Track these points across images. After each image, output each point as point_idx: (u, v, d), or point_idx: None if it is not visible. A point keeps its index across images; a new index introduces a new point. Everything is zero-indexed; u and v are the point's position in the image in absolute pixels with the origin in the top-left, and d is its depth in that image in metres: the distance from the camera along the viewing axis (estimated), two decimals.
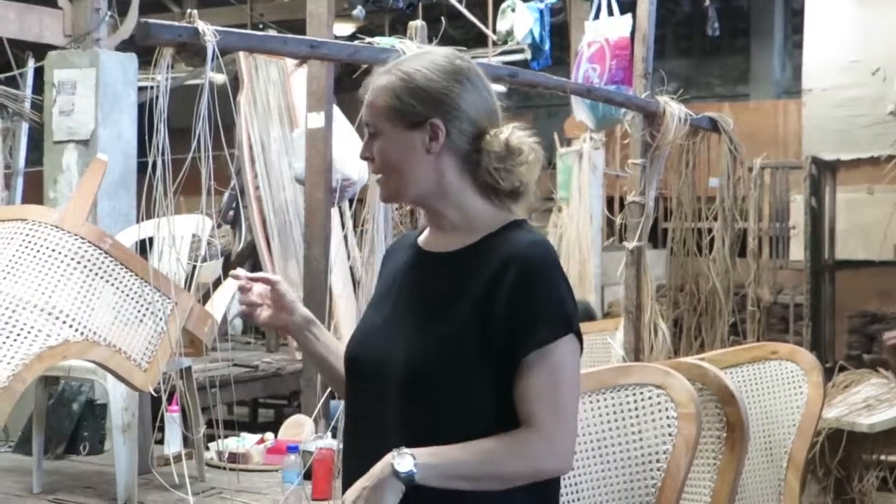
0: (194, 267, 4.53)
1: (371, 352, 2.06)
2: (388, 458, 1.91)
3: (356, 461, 2.04)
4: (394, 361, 2.00)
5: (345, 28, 10.05)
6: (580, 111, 6.35)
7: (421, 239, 2.18)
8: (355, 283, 6.18)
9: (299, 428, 4.87)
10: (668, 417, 2.50)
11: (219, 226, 7.39)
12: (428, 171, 2.08)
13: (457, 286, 2.03)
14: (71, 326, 3.74)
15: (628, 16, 5.92)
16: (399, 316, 2.07)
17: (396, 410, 1.99)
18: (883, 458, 5.52)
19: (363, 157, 2.10)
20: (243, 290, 2.22)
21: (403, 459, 1.90)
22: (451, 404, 1.98)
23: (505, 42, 7.19)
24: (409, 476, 1.89)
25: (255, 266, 7.75)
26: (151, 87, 3.52)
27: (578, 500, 2.52)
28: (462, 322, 1.99)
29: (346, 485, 2.09)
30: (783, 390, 3.45)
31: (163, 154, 3.43)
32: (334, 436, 4.25)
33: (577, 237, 7.94)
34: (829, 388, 5.09)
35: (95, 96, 5.58)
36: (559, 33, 8.38)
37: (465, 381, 1.98)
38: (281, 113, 7.32)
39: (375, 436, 2.02)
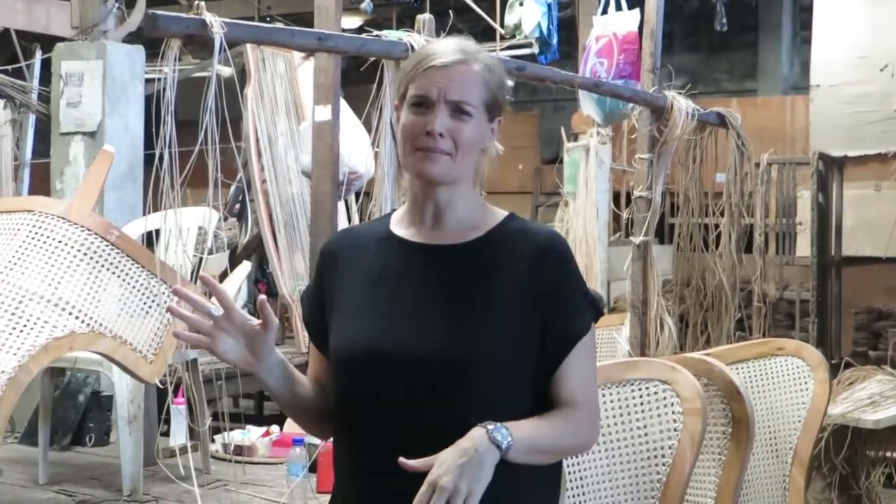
0: (200, 259, 4.54)
1: (396, 345, 2.02)
2: (479, 432, 1.90)
3: (381, 453, 1.99)
4: (436, 351, 1.98)
5: (352, 21, 10.06)
6: (587, 105, 6.34)
7: (403, 233, 2.12)
8: None
9: None
10: (673, 413, 2.50)
11: (225, 218, 7.39)
12: (476, 162, 2.11)
13: (487, 275, 2.05)
14: (77, 318, 3.75)
15: (636, 10, 5.91)
16: (415, 308, 2.04)
17: (440, 397, 1.97)
18: (888, 454, 5.51)
19: (430, 131, 2.02)
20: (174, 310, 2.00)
21: (500, 432, 1.91)
22: (499, 388, 2.00)
23: (513, 36, 7.19)
24: (509, 447, 1.91)
25: (262, 259, 7.76)
26: (158, 80, 3.52)
27: (584, 493, 2.52)
28: (507, 308, 2.01)
29: (358, 480, 2.05)
30: (789, 386, 3.45)
31: (170, 146, 3.43)
32: None
33: (583, 232, 7.93)
34: (834, 384, 5.08)
35: (102, 88, 5.58)
36: (567, 27, 8.38)
37: (514, 364, 2.01)
38: (288, 106, 7.32)
39: (410, 425, 1.99)
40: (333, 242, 2.24)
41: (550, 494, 2.11)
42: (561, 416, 2.02)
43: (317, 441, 4.23)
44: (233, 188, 7.75)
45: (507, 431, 1.91)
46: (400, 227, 2.14)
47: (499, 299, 2.02)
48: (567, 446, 2.07)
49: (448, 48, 2.07)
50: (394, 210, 2.23)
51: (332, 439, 2.16)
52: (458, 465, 1.87)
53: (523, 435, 1.94)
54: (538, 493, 2.07)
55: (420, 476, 1.90)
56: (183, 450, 4.54)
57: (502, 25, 7.35)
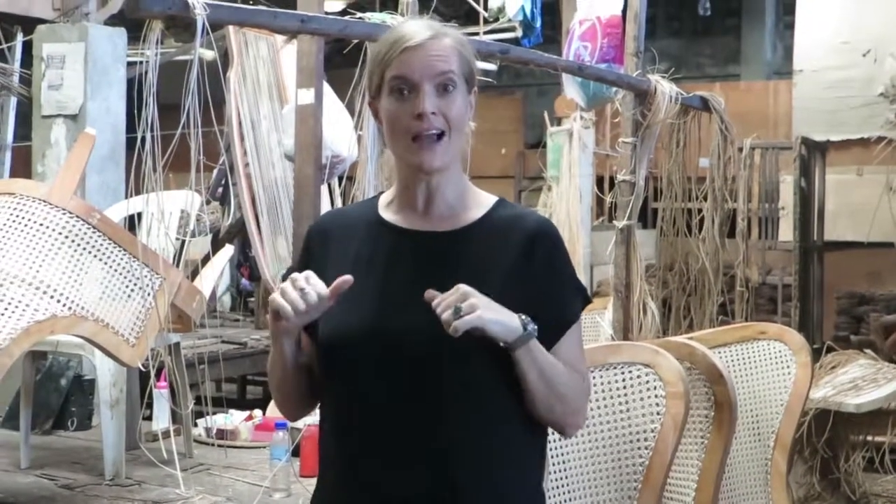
0: (183, 243, 4.52)
1: (385, 332, 1.99)
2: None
3: (369, 441, 1.99)
4: (427, 338, 1.95)
5: (335, 4, 10.00)
6: (571, 89, 6.33)
7: (393, 219, 2.10)
8: None
9: None
10: (656, 396, 2.51)
11: (208, 202, 7.37)
12: (464, 140, 2.10)
13: (478, 261, 2.03)
14: (58, 301, 3.73)
15: None
16: (405, 295, 1.99)
17: (431, 384, 1.96)
18: (869, 438, 5.54)
19: (421, 113, 1.99)
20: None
21: (531, 323, 1.95)
22: (492, 373, 1.99)
23: (496, 19, 7.18)
24: (531, 335, 1.95)
25: (244, 243, 7.74)
26: (141, 63, 3.50)
27: (567, 476, 2.53)
28: (499, 295, 1.97)
29: (345, 468, 2.02)
30: (771, 370, 3.46)
31: (152, 129, 3.41)
32: None
33: (566, 216, 7.92)
34: (816, 368, 5.10)
35: (84, 71, 5.56)
36: (551, 11, 8.35)
37: (506, 350, 1.99)
38: (271, 89, 7.29)
39: (399, 412, 1.98)
40: (323, 223, 2.21)
41: (535, 475, 2.11)
42: (573, 373, 2.05)
43: (299, 425, 4.23)
44: (215, 172, 7.73)
45: (535, 329, 1.95)
46: (389, 212, 2.12)
47: (490, 286, 1.99)
48: (566, 396, 2.03)
49: (418, 27, 2.05)
50: (381, 193, 2.20)
51: (318, 424, 2.14)
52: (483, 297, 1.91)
53: (543, 351, 1.98)
54: (524, 472, 2.06)
55: (409, 465, 1.94)
56: (165, 434, 4.53)
57: (486, 8, 7.34)
